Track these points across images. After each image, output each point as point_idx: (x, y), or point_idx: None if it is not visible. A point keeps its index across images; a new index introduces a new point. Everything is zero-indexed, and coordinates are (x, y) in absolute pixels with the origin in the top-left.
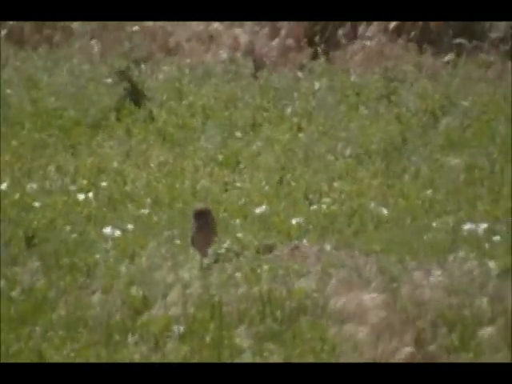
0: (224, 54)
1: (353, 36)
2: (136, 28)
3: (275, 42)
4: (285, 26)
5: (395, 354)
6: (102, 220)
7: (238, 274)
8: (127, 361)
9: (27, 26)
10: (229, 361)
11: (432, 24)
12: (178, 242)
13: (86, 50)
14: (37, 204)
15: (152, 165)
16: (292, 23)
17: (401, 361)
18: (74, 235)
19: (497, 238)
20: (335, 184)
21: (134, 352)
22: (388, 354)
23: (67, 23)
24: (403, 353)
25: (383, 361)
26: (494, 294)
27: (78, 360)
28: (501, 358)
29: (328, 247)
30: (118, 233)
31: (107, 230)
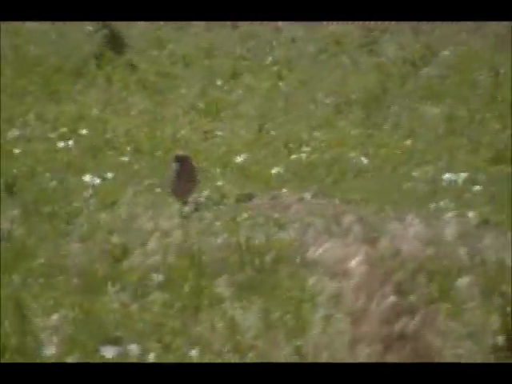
0: None
1: None
2: None
3: None
4: None
5: (375, 304)
6: (82, 168)
7: (218, 223)
8: (106, 309)
9: None
10: (208, 309)
11: None
12: (158, 190)
13: None
14: (17, 151)
15: (132, 113)
16: None
17: (381, 311)
18: (54, 183)
19: (476, 188)
20: (315, 133)
21: (114, 300)
22: (367, 305)
23: None
24: (383, 303)
25: (362, 311)
26: (472, 243)
27: (57, 307)
28: (477, 306)
29: (308, 196)
30: (97, 181)
31: (87, 177)
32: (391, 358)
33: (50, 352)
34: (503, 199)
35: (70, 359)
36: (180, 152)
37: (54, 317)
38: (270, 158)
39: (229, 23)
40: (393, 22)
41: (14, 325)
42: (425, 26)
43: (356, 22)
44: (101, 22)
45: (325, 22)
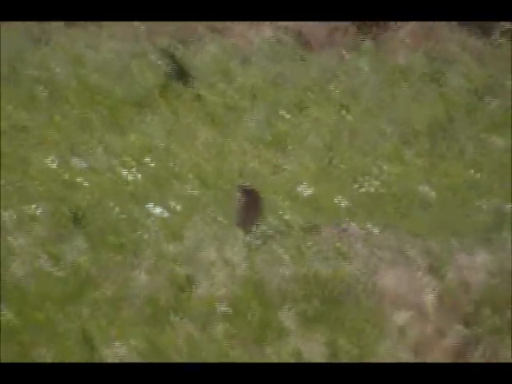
0: (271, 34)
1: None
2: None
3: (322, 23)
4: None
5: (440, 336)
6: (148, 199)
7: (285, 254)
8: (172, 339)
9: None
10: (274, 341)
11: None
12: (223, 221)
13: (132, 28)
14: (83, 182)
15: (199, 145)
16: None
17: (447, 343)
18: (120, 214)
19: None
20: (381, 165)
21: (179, 331)
22: (433, 336)
23: None
24: (450, 334)
25: (428, 343)
26: None
27: (123, 338)
28: None
29: (374, 229)
30: (163, 212)
31: (153, 208)
32: None
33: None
34: None
35: None
36: (244, 183)
37: (121, 347)
38: (337, 190)
39: (296, 55)
40: (457, 52)
41: (80, 355)
42: (488, 54)
43: (420, 51)
44: (167, 55)
45: (389, 53)
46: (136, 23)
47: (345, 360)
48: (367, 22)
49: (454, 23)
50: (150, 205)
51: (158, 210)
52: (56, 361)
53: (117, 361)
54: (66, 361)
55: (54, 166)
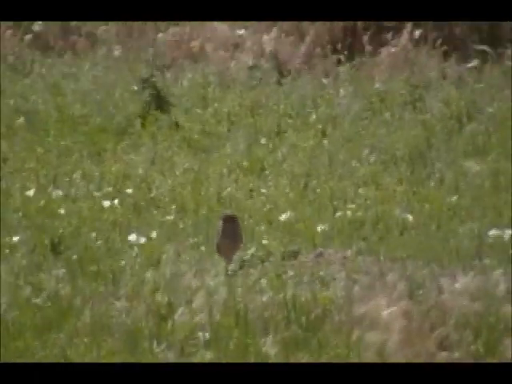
0: (249, 61)
1: (378, 43)
2: (160, 35)
3: (300, 49)
4: (310, 33)
5: (420, 360)
6: (128, 227)
7: (263, 281)
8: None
9: (52, 32)
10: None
11: (457, 30)
12: (203, 248)
13: (110, 56)
14: (62, 211)
15: (177, 171)
16: (317, 29)
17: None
18: (100, 242)
19: None
20: (360, 190)
21: (160, 359)
22: (412, 361)
23: (91, 29)
24: (428, 359)
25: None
26: None
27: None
28: None
29: (353, 254)
30: (143, 239)
31: (132, 236)
32: None
33: None
34: None
35: None
36: (227, 211)
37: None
38: (315, 215)
39: (273, 81)
40: (436, 79)
41: None
42: (469, 81)
43: (400, 80)
44: (146, 82)
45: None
46: (114, 51)
47: None
48: (343, 46)
49: (429, 48)
50: (130, 233)
51: (137, 238)
52: None
53: None
54: None
55: (33, 195)
